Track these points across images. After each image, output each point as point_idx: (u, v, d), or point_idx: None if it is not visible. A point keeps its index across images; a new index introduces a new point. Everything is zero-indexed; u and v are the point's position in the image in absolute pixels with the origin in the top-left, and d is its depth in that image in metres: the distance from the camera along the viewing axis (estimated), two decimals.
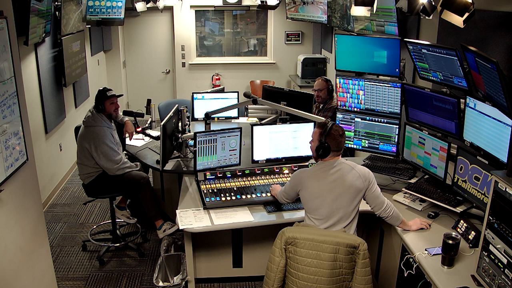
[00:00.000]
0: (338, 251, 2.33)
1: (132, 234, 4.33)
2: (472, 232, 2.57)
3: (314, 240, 2.35)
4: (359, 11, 3.65)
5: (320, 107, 4.59)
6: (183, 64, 8.07)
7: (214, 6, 7.82)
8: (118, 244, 4.10)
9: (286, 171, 3.50)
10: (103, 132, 3.66)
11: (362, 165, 3.53)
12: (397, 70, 3.60)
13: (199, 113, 4.60)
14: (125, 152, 4.14)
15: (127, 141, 4.27)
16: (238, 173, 3.42)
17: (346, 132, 3.68)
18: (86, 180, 3.77)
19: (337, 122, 3.76)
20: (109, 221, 4.32)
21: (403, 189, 3.15)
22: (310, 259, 2.35)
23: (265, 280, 2.49)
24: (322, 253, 2.34)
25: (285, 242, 2.39)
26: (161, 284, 3.19)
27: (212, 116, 3.88)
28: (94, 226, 4.46)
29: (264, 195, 3.19)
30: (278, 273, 2.42)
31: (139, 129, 4.01)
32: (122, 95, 4.13)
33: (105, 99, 3.70)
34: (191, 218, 2.94)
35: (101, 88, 3.78)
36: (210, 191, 3.21)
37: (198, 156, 3.32)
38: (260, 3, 6.73)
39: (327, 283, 2.36)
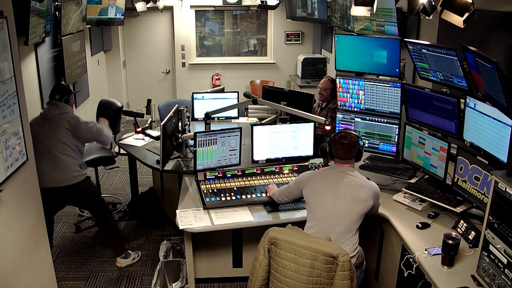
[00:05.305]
0: (316, 259, 2.25)
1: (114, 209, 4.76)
2: (472, 232, 2.57)
3: (294, 243, 2.29)
4: (359, 11, 3.65)
5: (323, 105, 4.60)
6: (183, 64, 8.07)
7: (214, 6, 7.82)
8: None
9: (286, 171, 3.50)
10: (75, 116, 3.56)
11: (361, 165, 3.56)
12: (397, 70, 3.60)
13: (199, 113, 4.60)
14: None
15: (127, 142, 4.29)
16: (238, 173, 3.42)
17: None
18: (73, 180, 3.48)
19: (337, 122, 3.76)
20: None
21: (403, 189, 3.15)
22: (288, 262, 2.30)
23: (250, 278, 2.49)
24: (300, 258, 2.28)
25: (268, 242, 2.36)
26: None
27: (212, 116, 3.89)
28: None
29: (264, 195, 3.19)
30: (260, 272, 2.40)
31: (139, 129, 4.02)
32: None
33: (70, 92, 3.62)
34: (191, 218, 2.94)
35: (62, 83, 3.69)
36: (210, 191, 3.21)
37: (198, 156, 3.33)
38: (260, 3, 6.72)
39: None
